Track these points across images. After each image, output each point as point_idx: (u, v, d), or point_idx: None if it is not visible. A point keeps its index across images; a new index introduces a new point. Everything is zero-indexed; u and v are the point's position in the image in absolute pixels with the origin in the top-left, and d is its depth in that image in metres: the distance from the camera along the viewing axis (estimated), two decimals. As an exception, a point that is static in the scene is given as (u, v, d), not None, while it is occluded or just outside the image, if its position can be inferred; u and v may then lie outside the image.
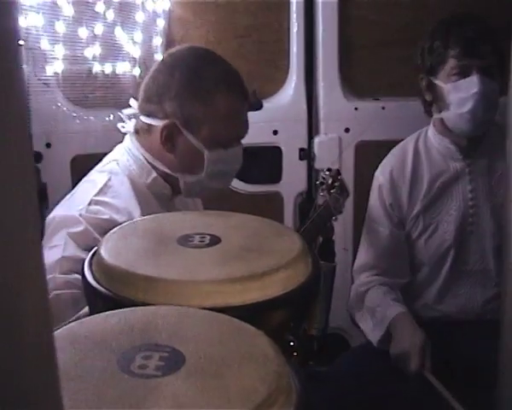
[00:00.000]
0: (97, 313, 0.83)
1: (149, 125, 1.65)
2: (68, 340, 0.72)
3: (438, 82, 2.03)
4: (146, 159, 1.66)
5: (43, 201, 2.49)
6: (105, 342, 0.71)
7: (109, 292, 0.91)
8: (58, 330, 0.74)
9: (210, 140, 1.62)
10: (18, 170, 0.43)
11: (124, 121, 1.73)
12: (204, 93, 1.61)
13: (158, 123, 1.62)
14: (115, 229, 1.10)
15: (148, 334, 0.72)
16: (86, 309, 1.09)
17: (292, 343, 0.93)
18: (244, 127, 1.70)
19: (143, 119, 1.66)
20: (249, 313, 0.87)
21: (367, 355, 2.11)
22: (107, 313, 0.80)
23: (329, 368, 2.17)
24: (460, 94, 1.97)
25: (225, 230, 1.10)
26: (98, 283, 0.94)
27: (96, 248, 1.05)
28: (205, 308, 0.83)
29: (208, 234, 1.07)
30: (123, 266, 0.92)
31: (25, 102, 0.45)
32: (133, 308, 0.81)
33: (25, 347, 0.44)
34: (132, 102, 1.72)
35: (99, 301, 0.92)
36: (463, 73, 1.97)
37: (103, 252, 0.98)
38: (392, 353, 1.97)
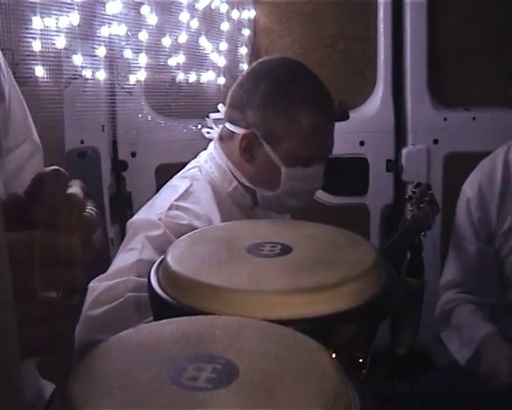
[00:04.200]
0: (160, 319, 0.81)
1: (232, 133, 1.62)
2: (120, 347, 0.69)
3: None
4: (228, 166, 1.64)
5: (128, 209, 2.53)
6: (158, 350, 0.68)
7: (171, 299, 0.88)
8: (111, 337, 0.72)
9: (289, 157, 1.58)
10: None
11: (209, 127, 1.72)
12: (287, 108, 1.57)
13: (239, 131, 1.60)
14: (184, 236, 1.09)
15: (203, 344, 0.69)
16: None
17: (361, 360, 0.88)
18: (327, 147, 1.64)
19: (227, 125, 1.64)
20: (315, 327, 0.82)
21: (453, 376, 2.03)
22: (164, 320, 0.77)
23: (413, 387, 2.11)
24: None
25: (297, 239, 1.06)
26: (162, 289, 0.92)
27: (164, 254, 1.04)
28: (269, 320, 0.79)
29: (279, 243, 1.03)
30: (186, 273, 0.90)
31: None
32: (192, 317, 0.78)
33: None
34: (220, 107, 1.71)
35: (162, 308, 0.90)
36: None
37: (169, 258, 0.96)
38: (481, 371, 1.88)
